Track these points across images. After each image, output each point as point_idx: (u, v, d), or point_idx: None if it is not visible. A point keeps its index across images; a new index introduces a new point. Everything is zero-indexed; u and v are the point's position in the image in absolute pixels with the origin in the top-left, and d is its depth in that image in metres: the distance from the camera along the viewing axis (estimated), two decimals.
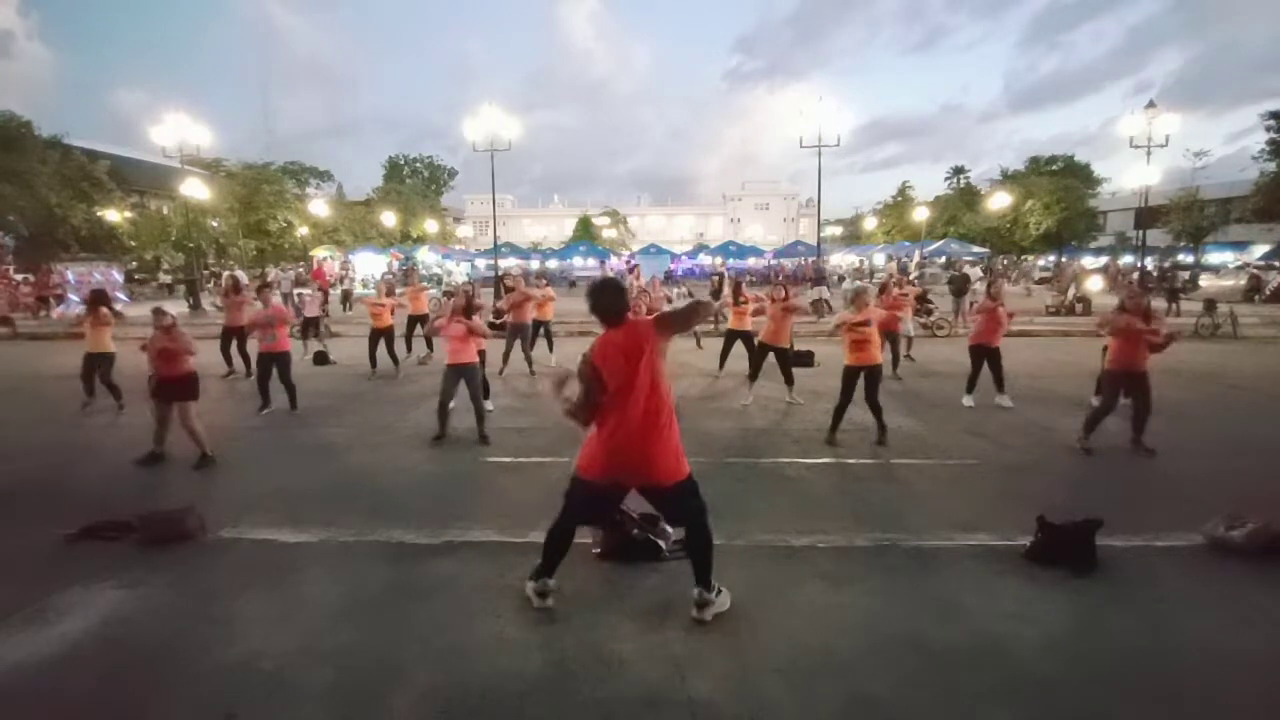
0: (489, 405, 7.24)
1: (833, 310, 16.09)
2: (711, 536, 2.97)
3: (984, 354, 7.22)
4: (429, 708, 2.47)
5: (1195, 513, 3.99)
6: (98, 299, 7.59)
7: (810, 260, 30.40)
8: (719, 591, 3.08)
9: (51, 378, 9.59)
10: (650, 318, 2.93)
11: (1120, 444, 5.65)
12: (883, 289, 9.97)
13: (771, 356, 7.38)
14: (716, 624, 3.00)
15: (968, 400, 7.31)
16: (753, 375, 7.54)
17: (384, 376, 9.33)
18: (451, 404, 6.12)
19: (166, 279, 27.57)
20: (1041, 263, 38.94)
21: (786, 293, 7.52)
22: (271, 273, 23.67)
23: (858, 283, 6.34)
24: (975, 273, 15.86)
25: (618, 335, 2.91)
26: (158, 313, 5.62)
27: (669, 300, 11.75)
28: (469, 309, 5.96)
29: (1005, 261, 36.93)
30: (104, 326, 7.41)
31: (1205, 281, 24.39)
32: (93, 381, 7.45)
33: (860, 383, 5.76)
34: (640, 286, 10.45)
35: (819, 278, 20.73)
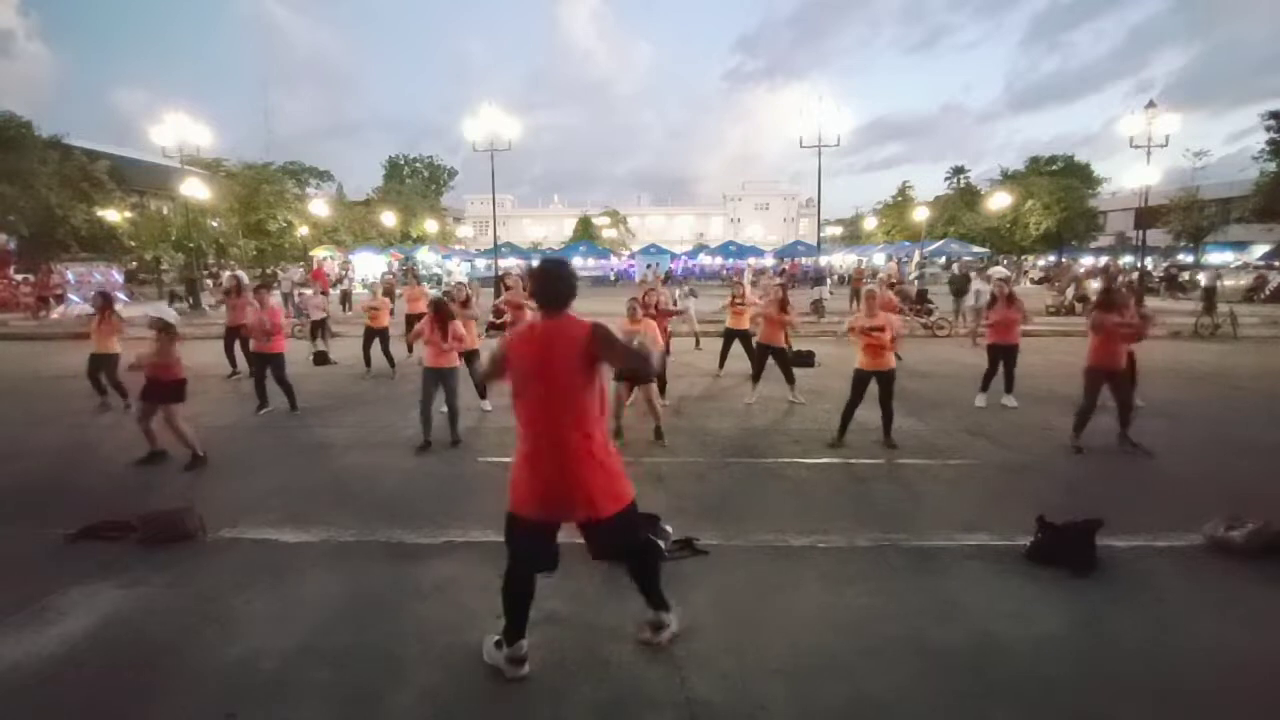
0: (487, 405, 7.24)
1: (825, 312, 16.10)
2: (659, 552, 2.74)
3: (999, 353, 7.25)
4: (429, 708, 2.47)
5: (1195, 513, 3.99)
6: (107, 301, 7.60)
7: (795, 261, 30.50)
8: (669, 610, 2.81)
9: (51, 378, 9.60)
10: (592, 325, 2.47)
11: (1120, 444, 5.65)
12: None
13: (771, 357, 7.39)
14: (716, 624, 3.00)
15: (980, 400, 7.32)
16: (755, 376, 7.54)
17: (381, 376, 9.34)
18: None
19: (167, 281, 27.56)
20: (1041, 262, 38.99)
21: (784, 294, 7.50)
22: (288, 272, 23.62)
23: (869, 285, 6.34)
24: (1000, 270, 15.99)
25: (546, 328, 2.48)
26: (154, 320, 5.54)
27: (673, 301, 11.73)
28: (449, 313, 5.98)
29: (1005, 261, 36.92)
30: (110, 326, 7.43)
31: (1204, 280, 24.41)
32: (100, 381, 7.47)
33: (874, 388, 5.70)
34: (648, 284, 10.44)
35: (819, 278, 20.76)
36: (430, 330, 5.88)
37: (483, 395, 7.34)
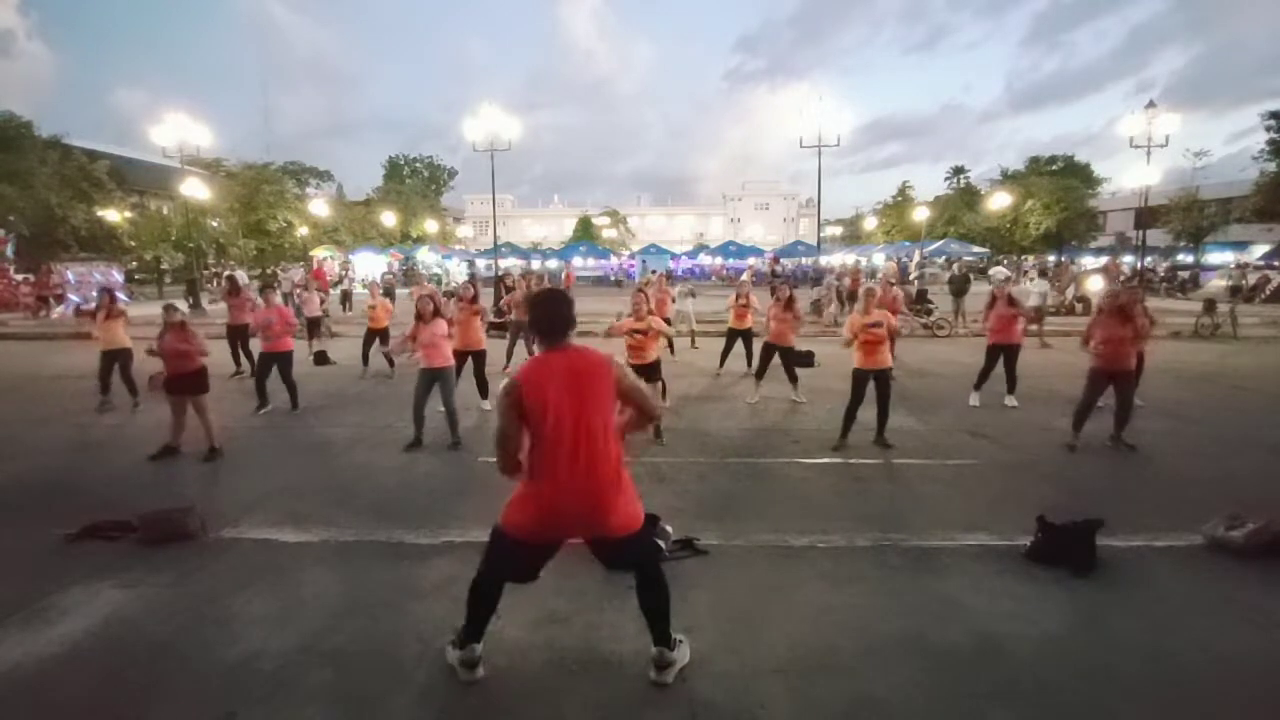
0: (486, 405, 7.24)
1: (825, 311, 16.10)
2: (667, 585, 2.57)
3: (999, 352, 7.25)
4: (429, 708, 2.47)
5: (1195, 513, 3.99)
6: (112, 297, 7.64)
7: (787, 262, 30.49)
8: (679, 643, 2.65)
9: (52, 378, 9.60)
10: (611, 359, 2.43)
11: (1117, 443, 5.66)
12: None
13: (777, 356, 7.41)
14: (716, 624, 3.00)
15: (974, 399, 7.33)
16: (759, 374, 7.54)
17: (380, 376, 9.34)
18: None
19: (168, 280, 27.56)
20: (1032, 261, 39.02)
21: (790, 294, 7.52)
22: (288, 272, 23.60)
23: (868, 284, 6.19)
24: (1000, 271, 16.12)
25: (559, 360, 2.38)
26: (169, 309, 5.71)
27: (672, 300, 11.75)
28: (437, 312, 6.01)
29: (1005, 261, 36.94)
30: (117, 320, 7.45)
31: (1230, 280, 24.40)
32: (109, 380, 7.48)
33: (871, 387, 5.68)
34: (646, 282, 10.46)
35: (819, 278, 20.78)
36: (419, 329, 5.90)
37: (484, 396, 7.33)
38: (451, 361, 6.07)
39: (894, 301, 9.13)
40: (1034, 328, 12.37)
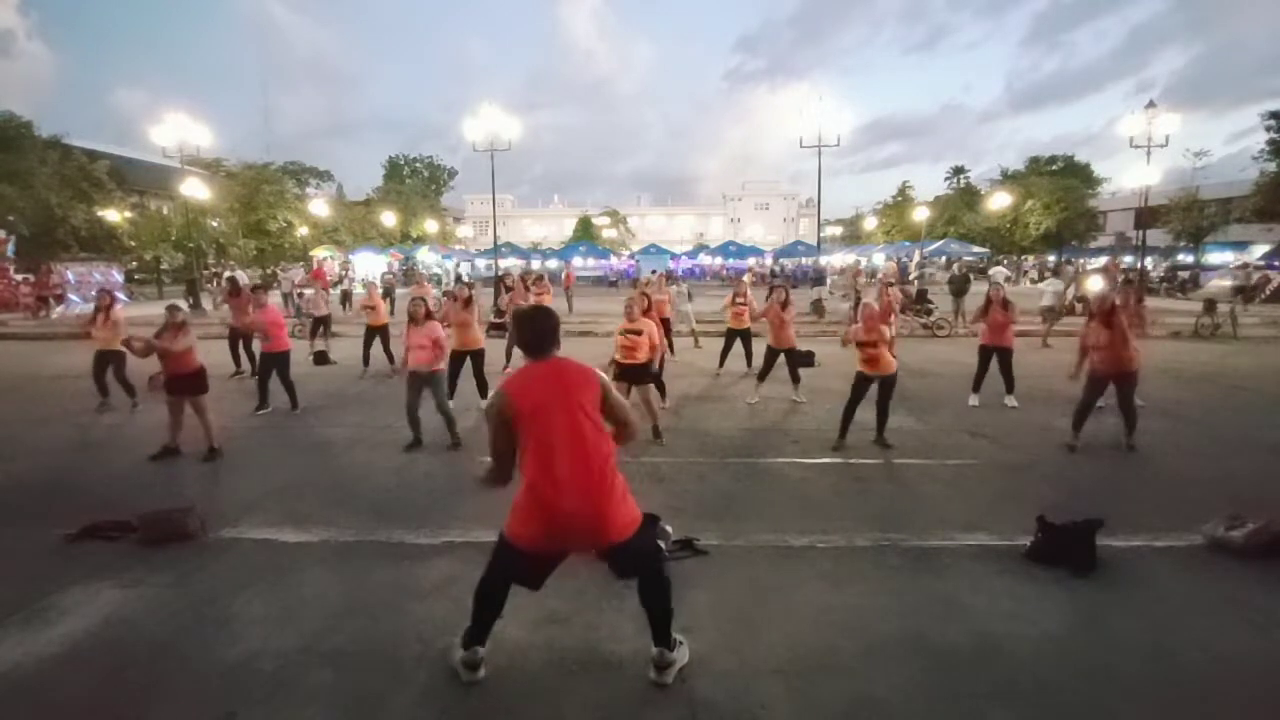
0: (484, 404, 7.24)
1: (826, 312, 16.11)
2: (670, 582, 2.59)
3: (989, 354, 7.26)
4: (429, 708, 2.47)
5: (1195, 513, 4.00)
6: (112, 299, 7.66)
7: (789, 262, 30.51)
8: (679, 643, 2.66)
9: (52, 378, 9.60)
10: (595, 371, 2.52)
11: (1119, 444, 5.66)
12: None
13: (781, 357, 7.42)
14: (716, 624, 3.00)
15: (973, 400, 7.33)
16: (761, 376, 7.54)
17: (379, 375, 9.33)
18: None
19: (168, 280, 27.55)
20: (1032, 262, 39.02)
21: (787, 296, 7.52)
22: (288, 272, 23.58)
23: (867, 299, 6.12)
24: (1000, 271, 16.03)
25: (548, 369, 2.48)
26: (173, 309, 5.75)
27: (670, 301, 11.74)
28: (429, 315, 5.99)
29: (1005, 261, 36.94)
30: (116, 324, 7.46)
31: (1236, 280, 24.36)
32: (104, 380, 7.48)
33: (873, 389, 5.68)
34: (643, 284, 10.45)
35: (818, 278, 20.79)
36: (411, 333, 5.86)
37: (484, 396, 7.33)
38: (442, 365, 6.02)
39: (888, 306, 9.12)
40: (1044, 326, 12.42)
